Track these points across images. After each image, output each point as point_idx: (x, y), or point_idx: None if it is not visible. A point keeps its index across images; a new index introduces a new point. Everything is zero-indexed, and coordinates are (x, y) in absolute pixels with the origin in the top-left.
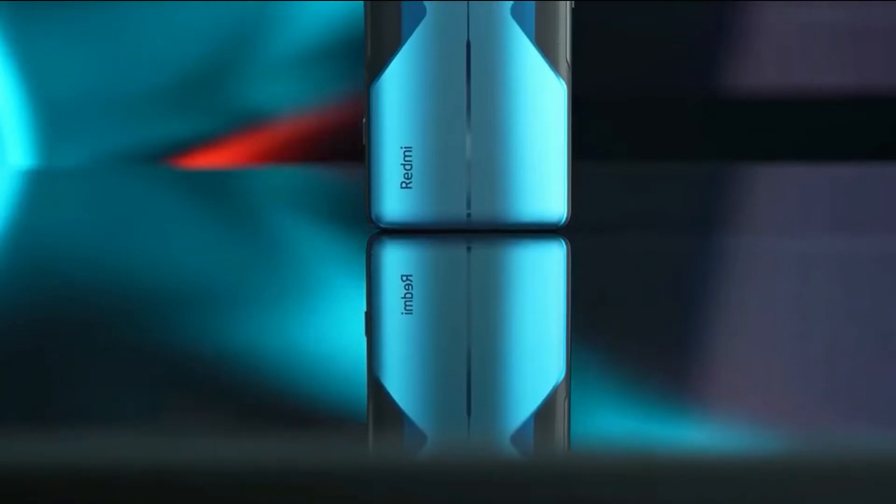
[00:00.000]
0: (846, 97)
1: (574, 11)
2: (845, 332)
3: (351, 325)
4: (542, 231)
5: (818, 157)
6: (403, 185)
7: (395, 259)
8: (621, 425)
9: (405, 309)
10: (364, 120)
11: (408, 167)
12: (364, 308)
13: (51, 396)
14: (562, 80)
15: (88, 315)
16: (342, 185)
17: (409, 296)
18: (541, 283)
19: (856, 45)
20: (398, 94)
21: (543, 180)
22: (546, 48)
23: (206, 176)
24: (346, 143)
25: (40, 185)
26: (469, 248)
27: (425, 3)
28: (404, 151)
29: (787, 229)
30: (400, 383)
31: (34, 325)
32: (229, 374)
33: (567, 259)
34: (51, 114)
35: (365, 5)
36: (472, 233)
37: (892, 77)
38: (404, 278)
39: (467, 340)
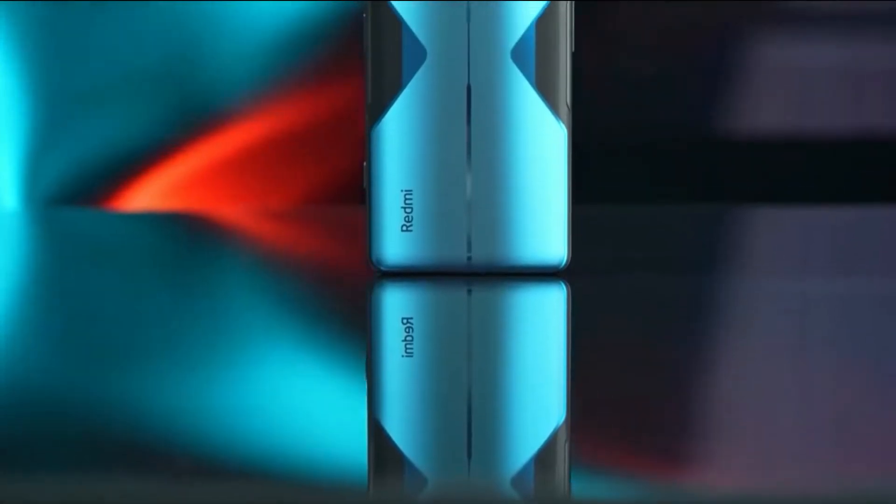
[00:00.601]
0: (846, 139)
1: (574, 56)
2: (848, 380)
3: (351, 368)
4: (542, 274)
5: (819, 200)
6: (404, 228)
7: (396, 302)
8: (622, 468)
9: (406, 352)
10: (364, 163)
11: (408, 210)
12: (365, 353)
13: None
14: (562, 124)
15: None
16: (344, 226)
17: (409, 339)
18: (541, 325)
19: (856, 87)
20: (399, 137)
21: (544, 223)
22: (546, 92)
23: (192, 220)
24: (305, 144)
25: None
26: (469, 291)
27: (426, 46)
28: (405, 195)
29: (788, 271)
30: (400, 426)
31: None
32: (228, 417)
33: (567, 302)
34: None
35: (365, 49)
36: (473, 276)
37: (893, 119)
38: (405, 321)
39: (468, 383)
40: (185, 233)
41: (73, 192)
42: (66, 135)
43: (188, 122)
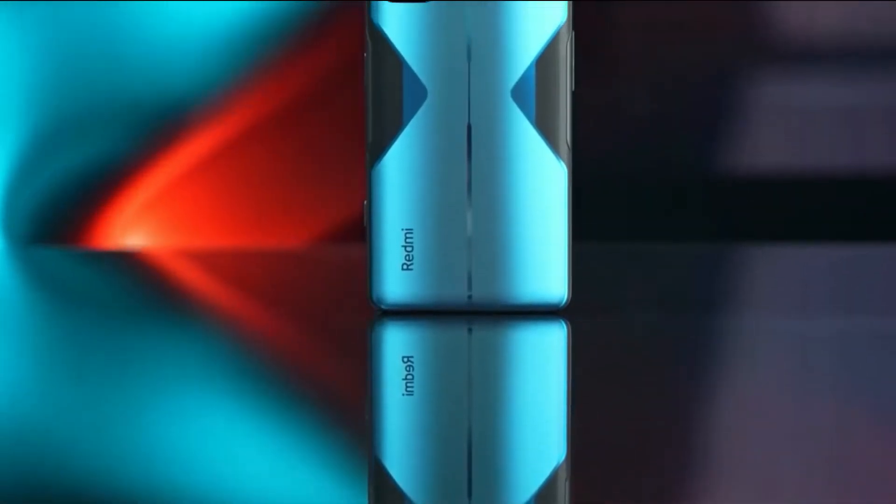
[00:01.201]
0: (846, 177)
1: (574, 94)
2: (848, 423)
3: (352, 407)
4: (543, 312)
5: (819, 238)
6: (405, 266)
7: (397, 340)
8: None
9: (406, 390)
10: (365, 202)
11: (409, 249)
12: (365, 392)
13: None
14: (562, 162)
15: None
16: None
17: (410, 377)
18: (541, 364)
19: (857, 126)
20: (399, 176)
21: (544, 262)
22: (546, 131)
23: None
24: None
25: None
26: (470, 330)
27: (426, 85)
28: (405, 233)
29: (788, 310)
30: (401, 465)
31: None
32: (228, 457)
33: (567, 341)
34: None
35: (365, 87)
36: (474, 314)
37: (889, 156)
38: (405, 360)
39: (468, 422)
40: (177, 270)
41: (50, 226)
42: (36, 168)
43: (153, 136)
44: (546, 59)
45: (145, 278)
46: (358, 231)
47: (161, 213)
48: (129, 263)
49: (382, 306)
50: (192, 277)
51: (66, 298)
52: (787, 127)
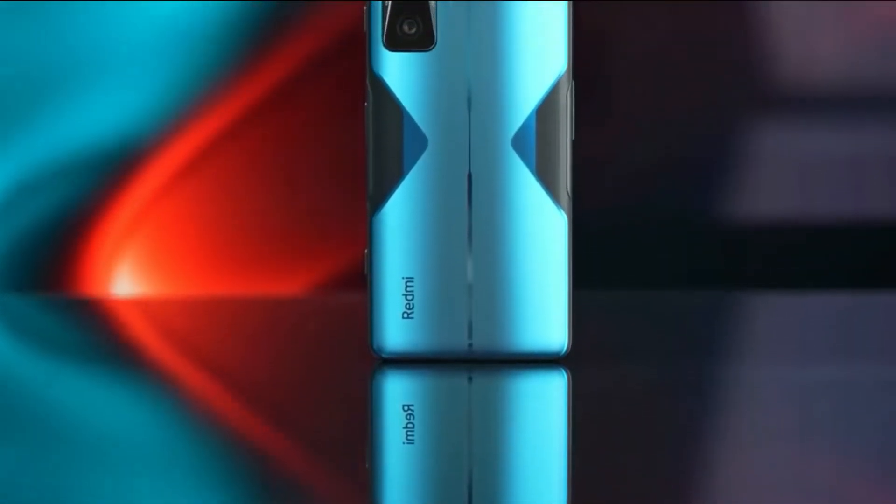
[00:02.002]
0: (847, 225)
1: (574, 143)
2: (851, 470)
3: (352, 455)
4: (543, 361)
5: (820, 286)
6: (405, 315)
7: (397, 389)
8: None
9: (406, 439)
10: (366, 250)
11: (409, 297)
12: (366, 440)
13: None
14: (562, 211)
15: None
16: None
17: (410, 425)
18: (542, 413)
19: (857, 174)
20: (400, 225)
21: (544, 310)
22: (547, 179)
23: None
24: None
25: None
26: (470, 378)
27: (427, 134)
28: (406, 282)
29: (790, 359)
30: None
31: None
32: (230, 501)
33: (568, 389)
34: None
35: (366, 136)
36: (474, 363)
37: (891, 205)
38: (406, 408)
39: (468, 471)
40: (168, 317)
41: (25, 274)
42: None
43: (115, 175)
44: (546, 108)
45: (135, 327)
46: (358, 279)
47: (148, 256)
48: (119, 311)
49: (383, 355)
50: (186, 325)
51: (35, 348)
52: (788, 175)
